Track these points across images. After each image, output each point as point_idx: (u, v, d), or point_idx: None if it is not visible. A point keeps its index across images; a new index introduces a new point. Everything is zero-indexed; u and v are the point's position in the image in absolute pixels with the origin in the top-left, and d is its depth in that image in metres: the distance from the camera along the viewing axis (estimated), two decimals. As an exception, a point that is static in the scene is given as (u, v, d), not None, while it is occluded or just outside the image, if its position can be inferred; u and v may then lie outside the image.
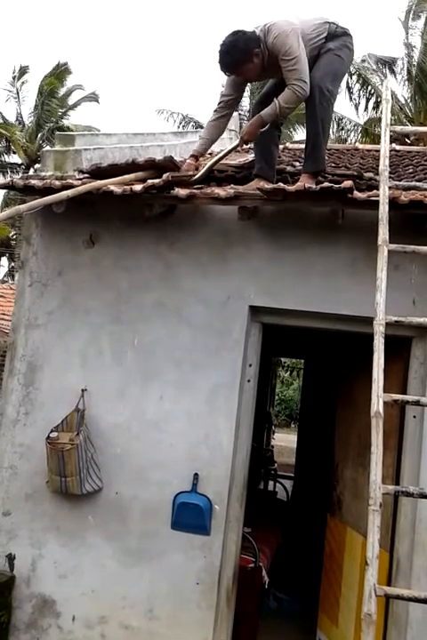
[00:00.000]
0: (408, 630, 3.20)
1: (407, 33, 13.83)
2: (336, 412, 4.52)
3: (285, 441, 13.84)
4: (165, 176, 3.44)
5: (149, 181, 3.43)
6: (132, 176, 3.60)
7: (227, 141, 6.52)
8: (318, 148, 3.68)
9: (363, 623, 2.19)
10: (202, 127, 14.07)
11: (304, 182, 3.38)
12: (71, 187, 3.41)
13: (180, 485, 3.52)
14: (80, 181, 3.61)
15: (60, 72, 20.21)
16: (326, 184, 3.27)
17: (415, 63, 13.31)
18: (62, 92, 20.92)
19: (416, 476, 3.28)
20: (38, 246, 3.86)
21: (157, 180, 3.43)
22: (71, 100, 21.26)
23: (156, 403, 3.62)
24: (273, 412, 13.70)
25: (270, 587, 4.82)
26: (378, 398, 2.45)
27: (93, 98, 21.43)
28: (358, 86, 13.75)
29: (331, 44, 3.70)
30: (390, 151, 5.50)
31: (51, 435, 3.56)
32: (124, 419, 3.65)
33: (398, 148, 5.98)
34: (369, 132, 13.77)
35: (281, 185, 3.34)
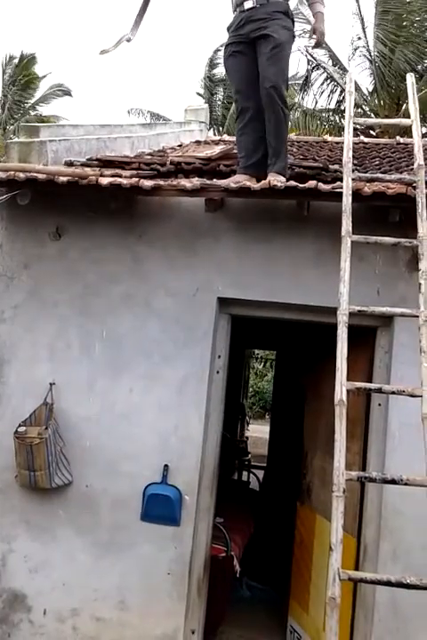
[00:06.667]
0: (375, 613, 3.28)
1: (363, 23, 13.70)
2: (305, 402, 4.58)
3: (259, 432, 13.88)
4: (132, 180, 3.42)
5: (117, 180, 3.42)
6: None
7: (197, 133, 6.54)
8: (282, 153, 3.66)
9: (327, 607, 2.23)
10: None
11: (269, 179, 3.40)
12: (35, 180, 3.39)
13: (150, 477, 3.53)
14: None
15: (26, 62, 19.74)
16: (292, 183, 3.31)
17: (373, 55, 13.21)
18: (33, 86, 20.41)
19: (382, 463, 3.34)
20: (3, 239, 3.81)
21: (124, 181, 3.41)
22: (41, 92, 20.81)
23: (125, 395, 3.62)
24: (247, 403, 13.77)
25: (243, 575, 4.88)
26: (342, 386, 2.49)
27: (66, 92, 21.06)
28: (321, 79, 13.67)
29: (281, 30, 3.64)
30: (359, 144, 5.60)
31: (19, 429, 3.54)
32: (94, 411, 3.64)
33: (365, 140, 6.07)
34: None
35: (247, 183, 3.38)
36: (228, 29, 3.84)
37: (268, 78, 3.59)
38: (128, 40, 3.97)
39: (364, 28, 13.55)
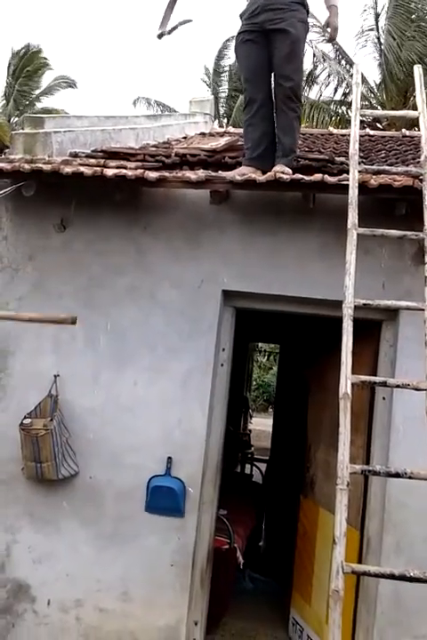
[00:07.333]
0: (378, 606, 3.29)
1: (376, 13, 13.55)
2: (309, 395, 4.58)
3: (263, 425, 13.91)
4: (136, 172, 3.41)
5: (122, 172, 3.41)
6: None
7: (202, 125, 6.52)
8: (291, 148, 3.64)
9: (330, 600, 2.23)
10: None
11: (275, 171, 3.38)
12: (41, 171, 3.38)
13: (154, 469, 3.53)
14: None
15: (31, 54, 19.69)
16: (297, 175, 3.30)
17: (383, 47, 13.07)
18: (38, 76, 20.33)
19: (386, 457, 3.34)
20: (8, 231, 3.80)
21: (129, 173, 3.40)
22: (45, 84, 20.73)
23: (129, 387, 3.62)
24: (251, 396, 13.78)
25: (246, 567, 4.90)
26: (346, 380, 2.48)
27: (70, 83, 20.98)
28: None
29: (298, 24, 3.61)
30: (365, 136, 5.57)
31: (24, 421, 3.53)
32: (98, 403, 3.64)
33: (371, 132, 6.04)
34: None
35: (252, 175, 3.36)
36: (240, 16, 3.78)
37: (286, 76, 3.56)
38: (159, 36, 3.94)
39: (377, 18, 13.43)
